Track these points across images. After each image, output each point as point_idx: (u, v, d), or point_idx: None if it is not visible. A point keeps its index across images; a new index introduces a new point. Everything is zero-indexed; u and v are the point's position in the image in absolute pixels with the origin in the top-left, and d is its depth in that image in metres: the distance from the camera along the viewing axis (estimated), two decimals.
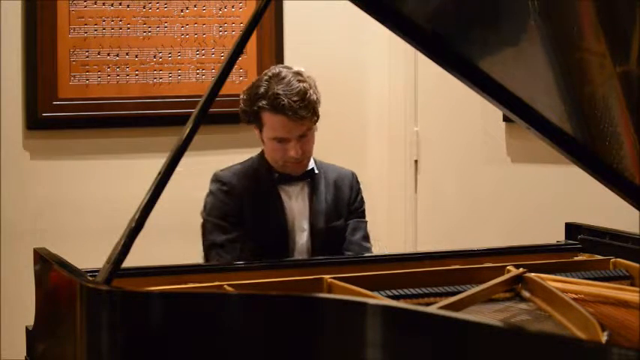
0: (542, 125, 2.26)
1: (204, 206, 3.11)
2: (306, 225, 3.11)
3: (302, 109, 2.97)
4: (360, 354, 1.92)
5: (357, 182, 3.24)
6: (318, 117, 3.05)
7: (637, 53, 1.89)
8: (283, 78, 3.00)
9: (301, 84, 3.00)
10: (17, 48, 3.91)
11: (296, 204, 3.11)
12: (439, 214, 4.33)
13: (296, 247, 3.09)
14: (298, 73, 3.03)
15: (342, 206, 3.16)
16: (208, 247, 3.06)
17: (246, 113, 3.06)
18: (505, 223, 4.10)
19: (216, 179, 3.11)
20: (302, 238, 3.10)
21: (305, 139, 3.03)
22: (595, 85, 2.10)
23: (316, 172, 3.13)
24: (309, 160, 3.11)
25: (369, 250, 3.19)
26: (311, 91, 3.00)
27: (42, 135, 3.97)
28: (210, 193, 3.10)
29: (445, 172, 4.32)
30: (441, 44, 2.18)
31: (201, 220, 3.12)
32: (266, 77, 3.03)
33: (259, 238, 3.04)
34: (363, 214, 3.23)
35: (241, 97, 3.08)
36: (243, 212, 3.06)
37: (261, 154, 3.13)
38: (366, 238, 3.20)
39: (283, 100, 2.95)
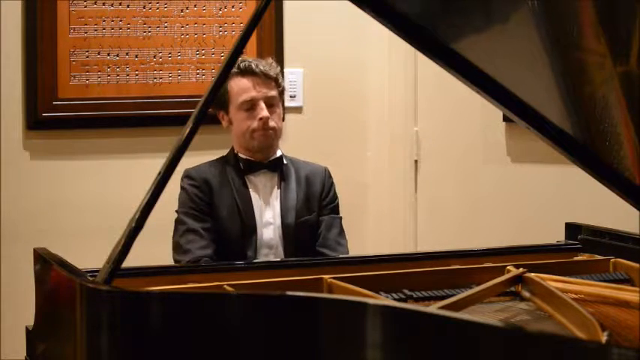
0: (542, 125, 2.26)
1: (179, 203, 3.15)
2: (272, 219, 3.14)
3: (270, 70, 3.15)
4: (360, 354, 1.92)
5: (330, 177, 3.27)
6: (283, 88, 3.22)
7: (637, 53, 1.89)
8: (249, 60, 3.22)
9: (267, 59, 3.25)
10: (17, 48, 3.91)
11: (263, 198, 3.15)
12: (439, 214, 4.33)
13: (263, 242, 3.12)
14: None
15: (314, 201, 3.19)
16: (184, 232, 3.08)
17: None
18: (505, 223, 4.10)
19: (187, 175, 3.16)
20: (268, 232, 3.14)
21: (272, 109, 3.13)
22: (595, 85, 2.10)
23: (285, 162, 3.18)
24: (278, 137, 3.16)
25: (344, 245, 3.21)
26: (275, 63, 3.21)
27: (42, 135, 3.97)
28: (182, 188, 3.15)
29: (445, 172, 4.31)
30: (440, 44, 2.18)
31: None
32: None
33: (226, 231, 3.09)
34: (336, 210, 3.25)
35: None
36: (213, 205, 3.11)
37: (231, 149, 3.19)
38: (341, 234, 3.22)
39: (252, 64, 3.15)
